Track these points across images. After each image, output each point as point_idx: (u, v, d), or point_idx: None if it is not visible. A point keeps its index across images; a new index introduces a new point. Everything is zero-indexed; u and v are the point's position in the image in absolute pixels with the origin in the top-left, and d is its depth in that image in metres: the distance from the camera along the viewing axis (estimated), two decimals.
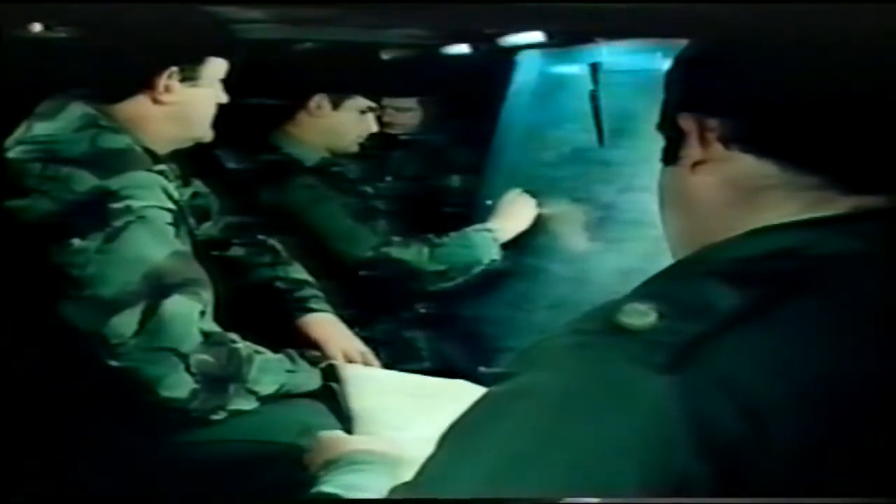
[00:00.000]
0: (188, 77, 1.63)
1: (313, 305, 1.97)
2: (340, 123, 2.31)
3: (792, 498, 0.60)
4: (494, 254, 2.18)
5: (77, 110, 1.57)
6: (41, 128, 1.57)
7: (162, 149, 1.66)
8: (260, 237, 2.06)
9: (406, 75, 2.78)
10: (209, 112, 1.70)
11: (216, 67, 1.67)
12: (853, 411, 0.62)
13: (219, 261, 1.95)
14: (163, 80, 1.61)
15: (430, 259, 2.15)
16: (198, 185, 1.85)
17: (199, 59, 1.65)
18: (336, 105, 2.29)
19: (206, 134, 1.72)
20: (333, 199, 2.25)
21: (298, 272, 2.02)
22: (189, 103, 1.65)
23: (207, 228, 1.91)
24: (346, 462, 1.13)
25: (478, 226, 2.22)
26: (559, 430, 0.62)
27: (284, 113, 2.31)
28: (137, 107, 1.61)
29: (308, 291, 2.00)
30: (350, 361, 1.84)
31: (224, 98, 1.71)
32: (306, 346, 1.87)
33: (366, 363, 1.86)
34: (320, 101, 2.28)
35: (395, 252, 2.16)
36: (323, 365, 1.70)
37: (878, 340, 0.64)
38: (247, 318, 1.89)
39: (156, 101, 1.62)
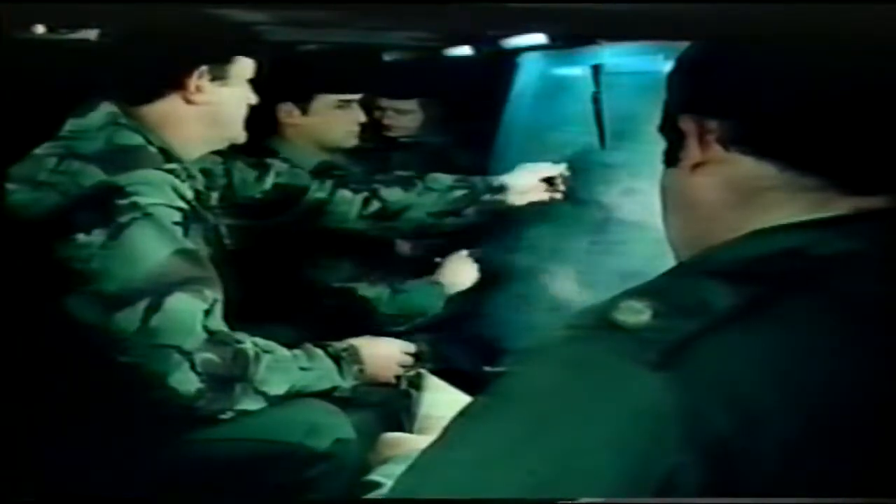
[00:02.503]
0: (218, 76, 1.64)
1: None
2: (317, 126, 2.28)
3: (784, 497, 0.60)
4: (439, 308, 2.23)
5: (105, 109, 1.59)
6: (70, 125, 1.58)
7: (196, 150, 1.67)
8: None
9: (408, 77, 2.79)
10: (241, 112, 1.70)
11: (244, 67, 1.68)
12: (849, 411, 0.62)
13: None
14: (193, 80, 1.61)
15: (388, 302, 2.20)
16: (241, 166, 1.93)
17: (227, 59, 1.65)
18: (304, 110, 2.27)
19: (240, 135, 1.72)
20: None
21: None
22: (221, 103, 1.65)
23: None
24: (404, 458, 1.14)
25: (433, 278, 2.25)
26: (547, 423, 0.63)
27: (269, 118, 2.30)
28: (169, 108, 1.62)
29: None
30: None
31: (254, 99, 1.71)
32: None
33: None
34: (289, 109, 2.26)
35: (361, 289, 2.20)
36: (411, 374, 1.71)
37: (877, 340, 0.64)
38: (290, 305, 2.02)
39: (188, 102, 1.62)
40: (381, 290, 2.21)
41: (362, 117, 2.34)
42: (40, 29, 1.93)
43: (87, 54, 1.77)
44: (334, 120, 2.30)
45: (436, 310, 2.23)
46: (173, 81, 1.61)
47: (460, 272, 2.28)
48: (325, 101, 2.28)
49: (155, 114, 1.61)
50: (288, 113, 2.26)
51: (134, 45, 1.61)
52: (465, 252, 2.31)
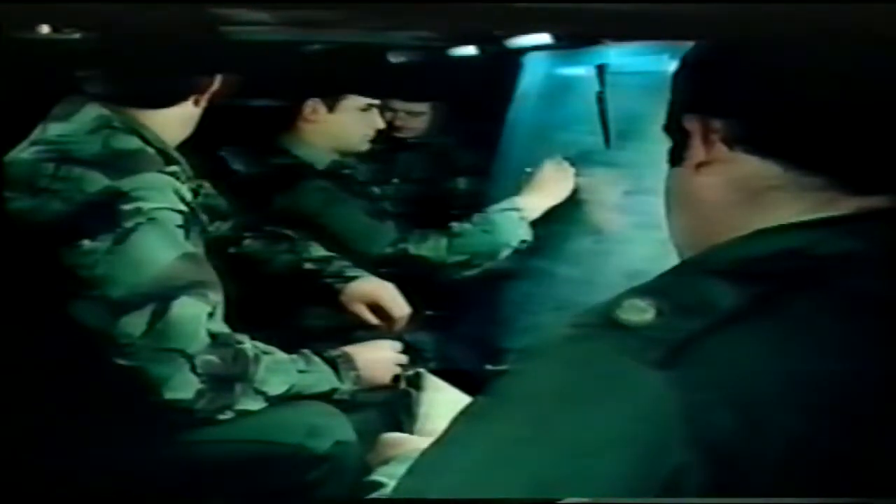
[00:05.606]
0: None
1: (351, 273, 1.99)
2: (341, 125, 2.29)
3: (787, 497, 0.60)
4: (523, 234, 2.11)
5: (92, 111, 1.58)
6: (56, 129, 1.58)
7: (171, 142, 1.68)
8: (269, 228, 2.08)
9: (413, 77, 2.79)
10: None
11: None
12: (852, 411, 0.62)
13: (236, 257, 1.98)
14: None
15: (449, 251, 2.11)
16: (207, 187, 1.87)
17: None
18: (331, 108, 2.27)
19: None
20: (348, 199, 2.24)
21: (320, 250, 2.06)
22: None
23: (220, 227, 1.93)
24: (404, 459, 1.14)
25: (504, 204, 2.14)
26: (550, 422, 0.63)
27: (285, 117, 2.30)
28: (179, 111, 1.65)
29: (338, 263, 2.02)
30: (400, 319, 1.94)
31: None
32: (357, 319, 1.94)
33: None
34: (314, 105, 2.26)
35: (413, 248, 2.13)
36: (410, 373, 1.70)
37: (879, 340, 0.64)
38: (276, 311, 1.93)
39: (196, 104, 1.66)
40: (435, 240, 2.12)
41: (381, 123, 2.34)
42: (45, 29, 1.94)
43: (79, 55, 1.76)
44: (356, 122, 2.30)
45: (519, 238, 2.11)
46: (193, 88, 1.64)
47: (547, 188, 2.13)
48: (352, 102, 2.28)
49: (160, 115, 1.62)
50: (313, 109, 2.27)
51: (123, 49, 1.61)
52: (558, 157, 2.11)
